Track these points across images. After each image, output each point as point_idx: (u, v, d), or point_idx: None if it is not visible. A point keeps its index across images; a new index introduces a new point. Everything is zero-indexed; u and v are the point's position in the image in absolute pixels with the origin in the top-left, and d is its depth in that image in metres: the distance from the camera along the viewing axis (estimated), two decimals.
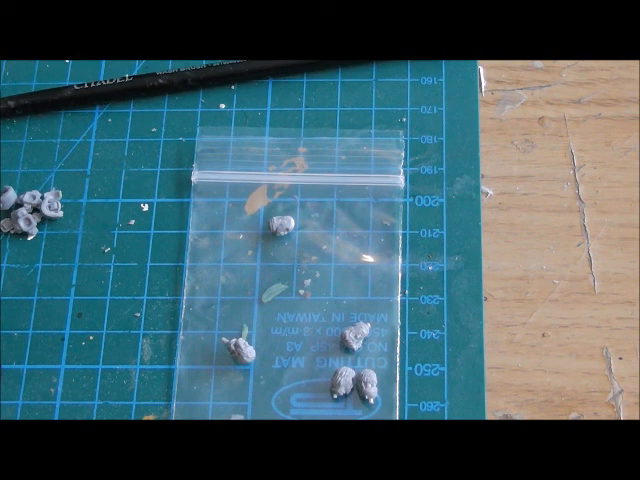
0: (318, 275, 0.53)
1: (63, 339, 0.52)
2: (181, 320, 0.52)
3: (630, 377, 0.50)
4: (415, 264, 0.53)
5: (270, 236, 0.54)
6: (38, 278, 0.54)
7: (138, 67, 0.59)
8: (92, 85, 0.58)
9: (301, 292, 0.53)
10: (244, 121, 0.57)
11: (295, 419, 0.50)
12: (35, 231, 0.55)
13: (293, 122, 0.57)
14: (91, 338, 0.52)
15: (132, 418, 0.50)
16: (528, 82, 0.58)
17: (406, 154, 0.55)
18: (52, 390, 0.51)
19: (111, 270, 0.54)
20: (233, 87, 0.58)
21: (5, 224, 0.55)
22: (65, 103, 0.58)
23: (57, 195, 0.56)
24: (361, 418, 0.50)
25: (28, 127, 0.58)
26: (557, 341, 0.51)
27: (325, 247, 0.53)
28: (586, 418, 0.50)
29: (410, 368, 0.51)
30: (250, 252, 0.54)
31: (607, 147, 0.56)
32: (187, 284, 0.53)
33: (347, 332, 0.51)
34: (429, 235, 0.53)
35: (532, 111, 0.57)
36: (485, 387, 0.50)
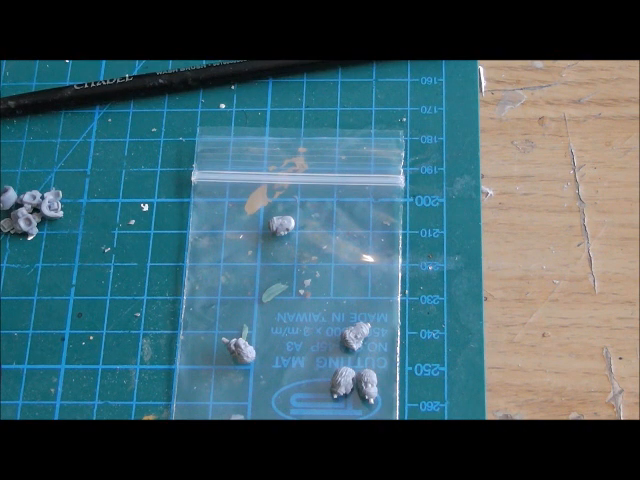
0: (318, 275, 0.53)
1: (63, 339, 0.52)
2: (181, 320, 0.52)
3: (630, 377, 0.50)
4: (415, 264, 0.53)
5: (270, 236, 0.54)
6: (38, 278, 0.54)
7: (138, 67, 0.59)
8: (92, 85, 0.58)
9: (301, 292, 0.53)
10: (244, 121, 0.57)
11: (295, 419, 0.50)
12: (35, 231, 0.55)
13: (293, 122, 0.57)
14: (91, 338, 0.52)
15: (132, 418, 0.50)
16: (528, 82, 0.58)
17: (406, 154, 0.55)
18: (52, 390, 0.51)
19: (111, 270, 0.54)
20: (233, 87, 0.58)
21: (5, 224, 0.55)
22: (65, 103, 0.58)
23: (57, 195, 0.56)
24: (361, 418, 0.50)
25: (28, 127, 0.58)
26: (557, 341, 0.51)
27: (325, 247, 0.53)
28: (586, 418, 0.50)
29: (410, 368, 0.51)
30: (250, 252, 0.54)
31: (607, 147, 0.56)
32: (187, 284, 0.53)
33: (347, 332, 0.51)
34: (429, 235, 0.53)
35: (532, 111, 0.57)
36: (485, 387, 0.50)
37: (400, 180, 0.54)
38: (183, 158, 0.56)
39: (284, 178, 0.55)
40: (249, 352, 0.51)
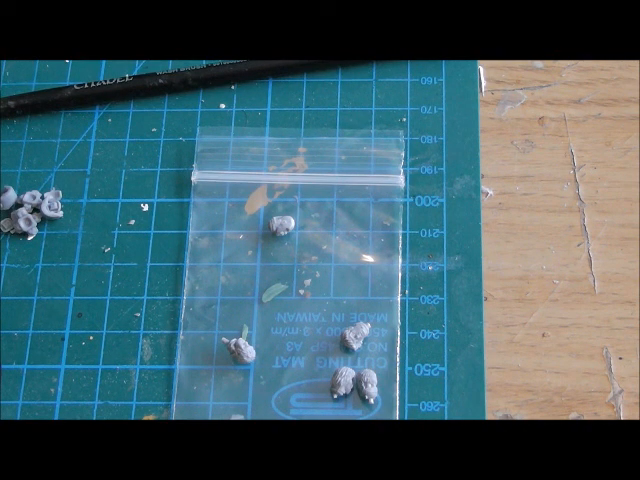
0: (318, 275, 0.53)
1: (63, 339, 0.52)
2: (181, 320, 0.52)
3: (630, 377, 0.50)
4: (415, 264, 0.53)
5: (270, 236, 0.54)
6: (38, 278, 0.54)
7: (138, 67, 0.59)
8: (92, 85, 0.58)
9: (301, 292, 0.53)
10: (244, 121, 0.57)
11: (295, 419, 0.50)
12: (35, 231, 0.55)
13: (293, 122, 0.57)
14: (91, 338, 0.52)
15: (132, 418, 0.50)
16: (528, 82, 0.58)
17: (406, 154, 0.55)
18: (52, 390, 0.51)
19: (111, 270, 0.54)
20: (233, 87, 0.58)
21: (5, 224, 0.55)
22: (65, 103, 0.58)
23: (57, 195, 0.56)
24: (361, 418, 0.50)
25: (28, 127, 0.58)
26: (557, 341, 0.51)
27: (325, 247, 0.53)
28: (586, 418, 0.50)
29: (410, 368, 0.51)
30: (250, 252, 0.54)
31: (607, 147, 0.56)
32: (187, 284, 0.53)
33: (347, 332, 0.51)
34: (429, 235, 0.53)
35: (532, 111, 0.57)
36: (485, 387, 0.50)
37: (400, 180, 0.54)
38: (183, 158, 0.56)
39: (284, 178, 0.55)
40: (249, 352, 0.51)
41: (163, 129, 0.57)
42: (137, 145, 0.57)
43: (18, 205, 0.56)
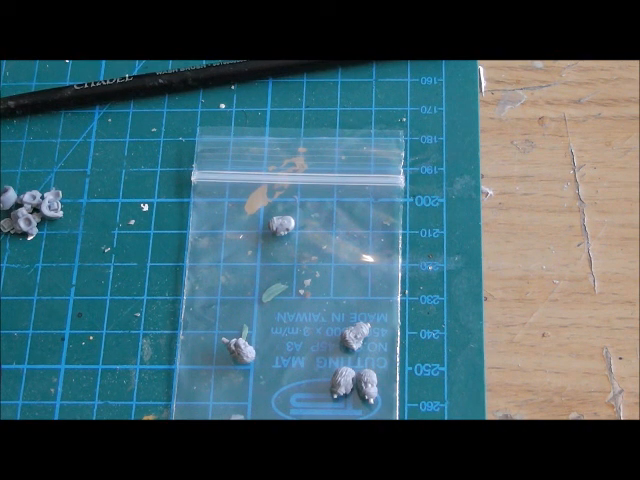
0: (318, 275, 0.53)
1: (63, 339, 0.52)
2: (181, 320, 0.52)
3: (630, 377, 0.50)
4: (415, 264, 0.53)
5: (270, 236, 0.54)
6: (38, 278, 0.54)
7: (138, 67, 0.59)
8: (92, 85, 0.58)
9: (301, 292, 0.53)
10: (244, 121, 0.57)
11: (295, 419, 0.50)
12: (35, 231, 0.55)
13: (293, 122, 0.57)
14: (91, 338, 0.52)
15: (132, 418, 0.50)
16: (528, 82, 0.58)
17: (406, 154, 0.55)
18: (52, 390, 0.51)
19: (111, 270, 0.54)
20: (233, 87, 0.58)
21: (5, 224, 0.55)
22: (65, 103, 0.58)
23: (57, 195, 0.56)
24: (361, 418, 0.50)
25: (28, 127, 0.58)
26: (557, 341, 0.51)
27: (325, 247, 0.53)
28: (586, 418, 0.50)
29: (410, 368, 0.51)
30: (250, 252, 0.54)
31: (607, 147, 0.56)
32: (187, 284, 0.53)
33: (347, 332, 0.51)
34: (429, 235, 0.53)
35: (532, 111, 0.57)
36: (485, 387, 0.50)
37: (400, 180, 0.54)
38: (183, 158, 0.56)
39: (284, 178, 0.55)
40: (249, 352, 0.51)
41: (163, 129, 0.57)
42: (137, 145, 0.57)
43: (18, 205, 0.56)
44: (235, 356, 0.51)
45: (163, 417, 0.50)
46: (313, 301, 0.52)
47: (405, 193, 0.54)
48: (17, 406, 0.51)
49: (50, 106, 0.58)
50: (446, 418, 0.49)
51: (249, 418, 0.50)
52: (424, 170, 0.55)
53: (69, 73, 0.59)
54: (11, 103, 0.57)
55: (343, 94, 0.57)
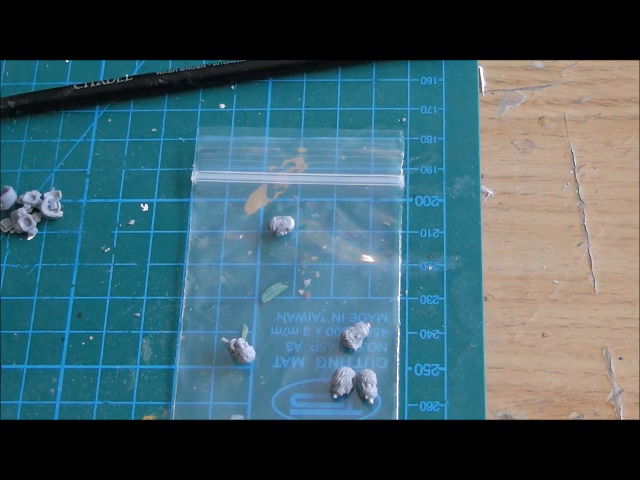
0: (318, 275, 0.53)
1: (63, 339, 0.52)
2: (181, 320, 0.52)
3: (630, 377, 0.50)
4: (415, 264, 0.53)
5: (270, 236, 0.54)
6: (38, 278, 0.54)
7: (138, 67, 0.59)
8: (92, 85, 0.58)
9: (301, 292, 0.53)
10: (244, 121, 0.57)
11: (295, 419, 0.50)
12: (35, 231, 0.55)
13: (293, 122, 0.57)
14: (91, 338, 0.52)
15: (132, 418, 0.50)
16: (528, 82, 0.58)
17: (406, 154, 0.55)
18: (52, 390, 0.51)
19: (111, 270, 0.54)
20: (233, 87, 0.58)
21: (5, 224, 0.55)
22: (65, 103, 0.58)
23: (57, 195, 0.56)
24: (361, 418, 0.50)
25: (28, 127, 0.58)
26: (557, 341, 0.51)
27: (325, 247, 0.53)
28: (586, 418, 0.50)
29: (410, 368, 0.51)
30: (250, 252, 0.54)
31: (607, 147, 0.56)
32: (187, 284, 0.53)
33: (347, 332, 0.51)
34: (429, 235, 0.53)
35: (532, 111, 0.57)
36: (485, 387, 0.50)
37: (400, 180, 0.54)
38: (183, 158, 0.56)
39: (284, 178, 0.55)
40: (249, 352, 0.51)
41: (163, 129, 0.57)
42: (137, 145, 0.57)
43: (18, 205, 0.56)
44: (235, 356, 0.51)
45: (163, 417, 0.50)
46: (313, 301, 0.52)
47: (405, 193, 0.54)
48: (17, 406, 0.51)
49: (50, 106, 0.58)
50: (446, 418, 0.49)
51: (249, 418, 0.50)
52: (424, 170, 0.55)
53: (69, 73, 0.59)
54: (11, 103, 0.57)
55: (343, 94, 0.57)
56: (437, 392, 0.50)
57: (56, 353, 0.52)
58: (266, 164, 0.55)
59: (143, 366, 0.52)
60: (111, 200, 0.56)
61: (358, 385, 0.50)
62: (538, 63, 0.58)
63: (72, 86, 0.58)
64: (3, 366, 0.52)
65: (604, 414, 0.50)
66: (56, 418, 0.51)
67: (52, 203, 0.55)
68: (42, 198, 0.55)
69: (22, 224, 0.55)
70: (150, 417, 0.51)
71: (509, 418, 0.50)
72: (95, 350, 0.52)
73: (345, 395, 0.50)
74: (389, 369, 0.51)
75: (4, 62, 0.60)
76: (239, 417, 0.50)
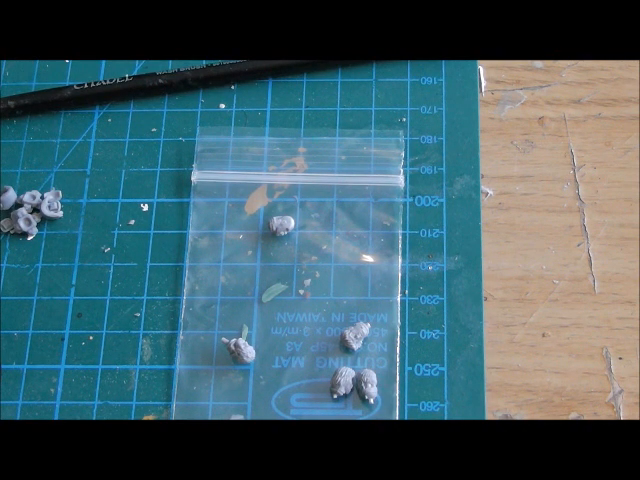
0: (318, 275, 0.53)
1: (63, 339, 0.52)
2: (181, 320, 0.52)
3: (630, 377, 0.50)
4: (415, 264, 0.53)
5: (270, 236, 0.54)
6: (38, 278, 0.54)
7: (138, 67, 0.59)
8: (92, 85, 0.58)
9: (301, 292, 0.53)
10: (244, 121, 0.57)
11: (295, 419, 0.50)
12: (35, 231, 0.55)
13: (293, 122, 0.57)
14: (91, 338, 0.52)
15: (132, 418, 0.50)
16: (528, 82, 0.58)
17: (406, 154, 0.55)
18: (52, 390, 0.51)
19: (111, 270, 0.54)
20: (233, 87, 0.58)
21: (5, 224, 0.55)
22: (65, 103, 0.58)
23: (57, 195, 0.56)
24: (361, 418, 0.50)
25: (28, 127, 0.58)
26: (557, 341, 0.51)
27: (325, 247, 0.53)
28: (586, 418, 0.50)
29: (410, 368, 0.51)
30: (250, 252, 0.54)
31: (607, 147, 0.56)
32: (187, 284, 0.53)
33: (347, 332, 0.51)
34: (429, 235, 0.53)
35: (532, 111, 0.57)
36: (485, 387, 0.50)
37: (400, 180, 0.54)
38: (183, 158, 0.56)
39: (284, 178, 0.55)
40: (249, 352, 0.51)
41: (163, 129, 0.57)
42: (137, 145, 0.57)
43: (18, 205, 0.56)
44: (235, 356, 0.51)
45: (163, 417, 0.50)
46: (313, 301, 0.52)
47: (405, 193, 0.54)
48: (17, 406, 0.51)
49: (50, 106, 0.58)
50: (446, 418, 0.49)
51: (249, 418, 0.50)
52: (424, 170, 0.55)
53: (69, 73, 0.59)
54: (11, 103, 0.57)
55: (343, 94, 0.57)
56: (437, 392, 0.50)
57: (56, 353, 0.52)
58: (266, 164, 0.55)
59: (143, 366, 0.52)
60: (111, 200, 0.56)
61: (358, 385, 0.50)
62: (538, 63, 0.58)
63: (72, 86, 0.58)
64: (3, 366, 0.52)
65: (604, 414, 0.50)
66: (56, 418, 0.51)
67: (52, 203, 0.55)
68: (42, 198, 0.55)
69: (22, 224, 0.55)
70: (150, 417, 0.51)
71: (509, 418, 0.50)
72: (95, 350, 0.52)
73: (345, 395, 0.50)
74: (389, 369, 0.51)
75: (4, 62, 0.60)
76: (239, 417, 0.50)
